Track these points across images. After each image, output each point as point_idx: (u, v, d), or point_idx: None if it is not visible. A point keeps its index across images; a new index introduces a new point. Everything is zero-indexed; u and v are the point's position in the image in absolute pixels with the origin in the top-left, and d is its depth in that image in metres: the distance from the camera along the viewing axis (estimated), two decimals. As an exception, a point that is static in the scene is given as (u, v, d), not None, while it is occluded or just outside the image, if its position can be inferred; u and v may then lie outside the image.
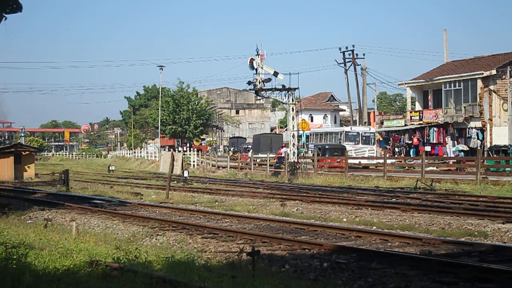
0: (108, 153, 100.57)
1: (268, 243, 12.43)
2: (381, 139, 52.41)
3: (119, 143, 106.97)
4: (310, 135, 52.92)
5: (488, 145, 42.04)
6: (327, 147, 45.61)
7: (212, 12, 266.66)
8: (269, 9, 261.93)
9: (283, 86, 36.15)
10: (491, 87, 43.11)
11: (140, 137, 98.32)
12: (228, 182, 32.92)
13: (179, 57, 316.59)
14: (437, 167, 34.21)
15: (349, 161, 39.32)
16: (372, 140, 45.89)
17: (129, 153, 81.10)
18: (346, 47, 57.64)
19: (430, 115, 47.82)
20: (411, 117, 50.48)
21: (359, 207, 19.11)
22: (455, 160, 35.68)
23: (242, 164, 46.15)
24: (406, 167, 36.26)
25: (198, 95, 77.82)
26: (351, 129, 46.94)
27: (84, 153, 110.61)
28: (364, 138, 45.20)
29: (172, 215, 18.56)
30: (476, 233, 13.94)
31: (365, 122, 57.00)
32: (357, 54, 57.49)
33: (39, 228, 15.41)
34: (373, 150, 45.32)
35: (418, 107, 50.92)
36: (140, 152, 77.33)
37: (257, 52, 35.79)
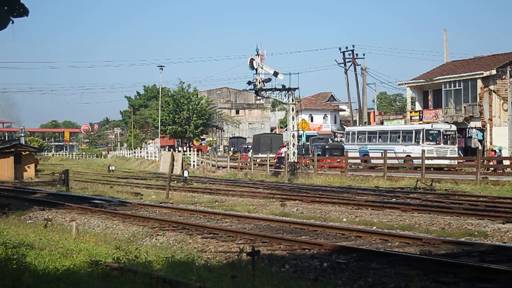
0: (108, 153, 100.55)
1: (268, 243, 12.43)
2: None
3: (119, 143, 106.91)
4: (348, 134, 45.17)
5: (489, 145, 42.06)
6: (327, 147, 45.47)
7: (212, 12, 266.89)
8: (269, 9, 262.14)
9: (283, 86, 36.15)
10: (491, 87, 43.12)
11: (140, 137, 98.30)
12: (228, 182, 32.91)
13: (179, 57, 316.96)
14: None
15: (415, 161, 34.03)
16: (453, 139, 39.17)
17: (129, 153, 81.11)
18: (346, 47, 57.61)
19: (430, 115, 47.84)
20: (411, 117, 50.51)
21: (359, 207, 19.11)
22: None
23: (242, 164, 46.14)
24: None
25: (198, 95, 77.83)
26: (432, 126, 39.51)
27: (84, 153, 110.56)
28: (445, 137, 38.60)
29: (172, 215, 18.56)
30: (476, 233, 13.93)
31: (365, 122, 56.98)
32: (357, 54, 57.45)
33: (39, 228, 15.41)
34: (455, 151, 38.79)
35: (418, 107, 50.95)
36: (140, 152, 77.33)
37: (257, 52, 35.79)
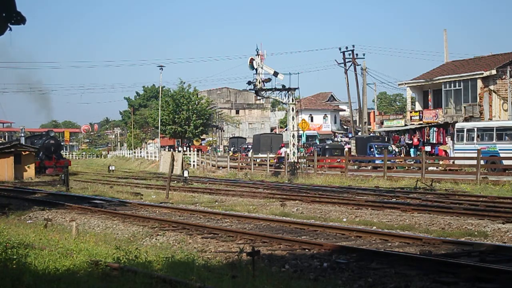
0: (108, 153, 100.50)
1: (268, 243, 12.43)
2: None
3: (119, 143, 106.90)
4: (460, 132, 36.71)
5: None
6: (327, 147, 45.43)
7: (212, 12, 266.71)
8: (269, 9, 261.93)
9: (283, 86, 36.14)
10: (491, 87, 43.13)
11: (140, 137, 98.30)
12: (228, 182, 32.91)
13: (179, 57, 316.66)
14: (437, 167, 34.14)
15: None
16: None
17: (129, 153, 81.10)
18: (346, 47, 57.67)
19: (430, 115, 47.83)
20: (411, 117, 50.50)
21: (359, 207, 19.11)
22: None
23: (242, 164, 46.14)
24: (406, 167, 36.09)
25: (198, 95, 77.85)
26: None
27: (84, 153, 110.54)
28: None
29: (172, 215, 18.56)
30: (476, 233, 13.93)
31: (365, 122, 57.01)
32: (357, 54, 57.52)
33: (39, 228, 15.41)
34: None
35: (418, 107, 50.94)
36: (140, 152, 77.34)
37: (257, 52, 35.77)
